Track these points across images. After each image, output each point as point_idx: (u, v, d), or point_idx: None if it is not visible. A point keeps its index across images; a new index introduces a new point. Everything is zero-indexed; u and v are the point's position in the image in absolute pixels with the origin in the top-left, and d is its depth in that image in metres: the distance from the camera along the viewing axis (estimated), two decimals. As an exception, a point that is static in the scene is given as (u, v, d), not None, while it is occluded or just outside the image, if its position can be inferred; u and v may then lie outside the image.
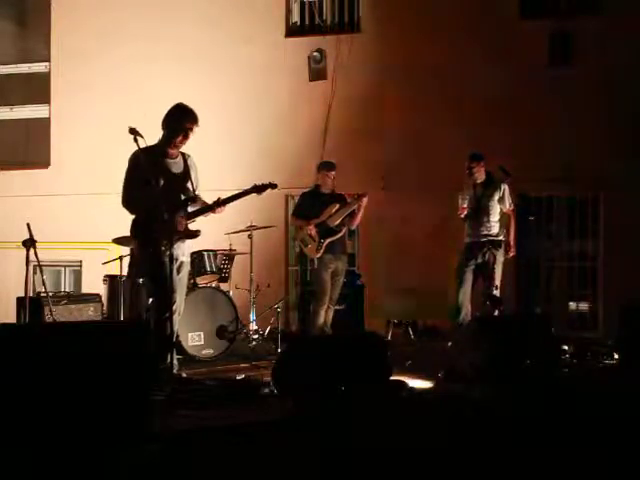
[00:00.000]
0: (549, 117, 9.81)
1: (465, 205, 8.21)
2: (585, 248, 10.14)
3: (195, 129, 6.12)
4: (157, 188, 5.93)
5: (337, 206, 8.03)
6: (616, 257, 9.68)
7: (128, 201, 6.08)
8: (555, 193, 10.06)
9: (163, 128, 6.17)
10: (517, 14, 10.12)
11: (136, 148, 5.83)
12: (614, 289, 9.55)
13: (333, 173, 8.17)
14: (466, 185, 8.29)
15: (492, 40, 10.00)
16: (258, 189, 6.46)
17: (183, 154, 6.23)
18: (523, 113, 9.85)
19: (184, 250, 6.21)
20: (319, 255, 8.00)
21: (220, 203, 6.14)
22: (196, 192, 6.22)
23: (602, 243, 9.94)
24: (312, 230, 8.00)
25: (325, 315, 8.01)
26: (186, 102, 10.75)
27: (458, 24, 10.14)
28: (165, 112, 6.21)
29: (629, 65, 9.64)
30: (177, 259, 6.05)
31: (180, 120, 6.10)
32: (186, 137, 6.10)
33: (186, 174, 6.16)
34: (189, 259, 6.36)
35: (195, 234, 6.21)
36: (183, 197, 6.18)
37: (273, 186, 6.54)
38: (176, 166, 6.15)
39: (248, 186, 6.57)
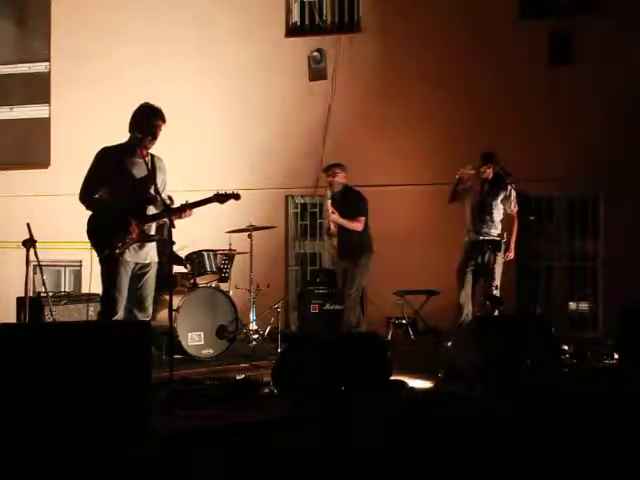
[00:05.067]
0: (549, 117, 9.81)
1: (467, 171, 8.26)
2: (585, 248, 10.13)
3: (163, 127, 6.05)
4: (118, 189, 5.94)
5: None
6: (616, 257, 9.67)
7: (86, 197, 6.03)
8: (555, 193, 10.05)
9: (131, 129, 6.10)
10: (517, 14, 10.11)
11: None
12: (614, 289, 9.55)
13: (330, 176, 8.40)
14: (476, 179, 8.37)
15: (492, 40, 10.00)
16: (220, 198, 6.25)
17: (153, 156, 6.14)
18: (523, 113, 9.85)
19: (148, 252, 6.10)
20: None
21: (181, 209, 6.01)
22: (162, 195, 6.09)
23: (602, 243, 9.93)
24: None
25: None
26: (186, 102, 10.92)
27: (458, 24, 10.14)
28: (132, 113, 6.14)
29: (629, 65, 9.64)
30: (137, 263, 6.03)
31: (149, 119, 6.03)
32: (155, 136, 6.02)
33: (150, 177, 6.01)
34: (156, 260, 6.21)
35: (151, 238, 6.10)
36: (144, 200, 6.07)
37: (236, 197, 6.33)
38: (142, 168, 6.03)
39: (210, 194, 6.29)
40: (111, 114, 10.77)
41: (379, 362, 6.00)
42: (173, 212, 5.98)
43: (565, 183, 9.76)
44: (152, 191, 6.02)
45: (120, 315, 5.97)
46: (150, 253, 6.13)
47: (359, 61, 10.50)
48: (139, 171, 6.04)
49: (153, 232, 6.15)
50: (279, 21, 10.95)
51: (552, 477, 4.05)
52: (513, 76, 9.91)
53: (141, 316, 6.04)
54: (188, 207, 6.06)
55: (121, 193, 5.98)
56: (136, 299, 6.06)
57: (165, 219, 6.01)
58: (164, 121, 6.05)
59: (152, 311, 7.77)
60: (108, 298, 5.98)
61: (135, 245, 5.99)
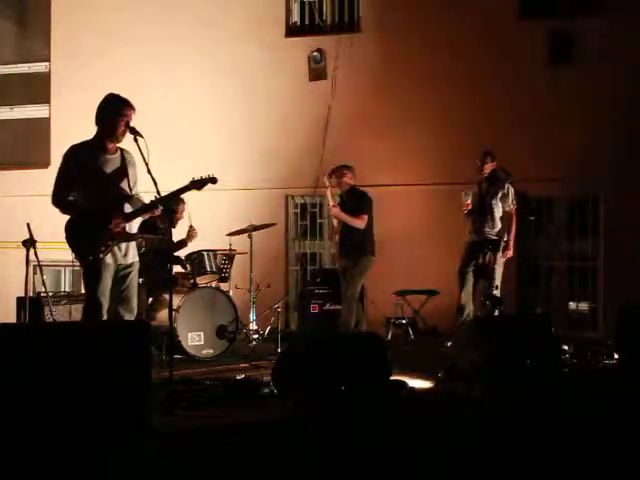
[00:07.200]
0: (549, 117, 9.81)
1: (469, 201, 8.30)
2: (585, 248, 10.13)
3: (133, 116, 5.81)
4: (92, 188, 5.74)
5: None
6: (616, 257, 9.67)
7: (59, 200, 5.84)
8: (555, 193, 10.05)
9: (98, 122, 5.90)
10: (517, 14, 10.11)
11: (138, 146, 5.66)
12: (614, 289, 9.54)
13: (338, 177, 8.43)
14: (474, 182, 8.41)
15: (492, 40, 10.00)
16: (197, 184, 5.93)
17: (122, 150, 5.94)
18: (523, 113, 9.85)
19: (128, 252, 5.88)
20: None
21: (157, 202, 5.77)
22: (133, 191, 5.90)
23: (602, 243, 9.93)
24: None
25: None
26: (186, 102, 10.92)
27: (458, 24, 10.13)
28: (98, 105, 5.94)
29: (629, 65, 9.63)
30: (120, 265, 5.82)
31: (117, 110, 5.82)
32: (127, 127, 5.78)
33: (123, 172, 5.85)
34: (137, 259, 6.01)
35: (134, 237, 5.94)
36: (119, 198, 5.85)
37: (213, 180, 5.95)
38: (113, 163, 5.86)
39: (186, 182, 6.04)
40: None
41: (379, 362, 5.99)
42: (150, 207, 5.82)
43: (565, 183, 9.76)
44: (126, 187, 5.86)
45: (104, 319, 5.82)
46: (130, 253, 5.92)
47: (359, 61, 10.50)
48: (111, 167, 5.85)
49: (135, 231, 5.99)
50: (279, 21, 10.95)
51: (552, 477, 4.05)
52: (513, 76, 9.90)
53: (128, 316, 5.86)
54: (166, 198, 5.82)
55: (95, 192, 5.76)
56: (122, 300, 5.84)
57: (161, 219, 5.92)
58: (134, 110, 5.83)
59: (152, 311, 7.88)
60: (93, 303, 5.79)
61: (116, 247, 5.80)
